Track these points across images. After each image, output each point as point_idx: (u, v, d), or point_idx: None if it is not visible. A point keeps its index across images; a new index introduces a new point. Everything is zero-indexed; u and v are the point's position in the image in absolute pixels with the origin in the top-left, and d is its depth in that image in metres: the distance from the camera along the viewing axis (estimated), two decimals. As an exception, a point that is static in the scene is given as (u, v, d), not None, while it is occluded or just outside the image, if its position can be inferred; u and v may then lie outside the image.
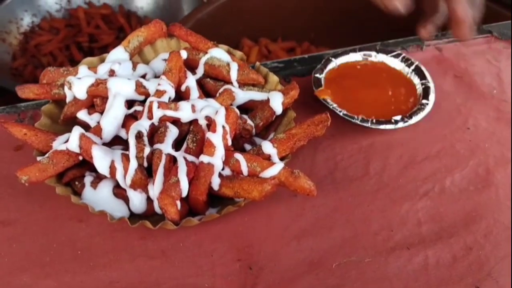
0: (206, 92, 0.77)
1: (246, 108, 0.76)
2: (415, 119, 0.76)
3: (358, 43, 0.98)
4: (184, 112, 0.66)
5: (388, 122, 0.75)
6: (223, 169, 0.65)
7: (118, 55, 0.76)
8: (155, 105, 0.65)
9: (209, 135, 0.63)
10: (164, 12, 1.92)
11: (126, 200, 0.65)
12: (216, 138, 0.63)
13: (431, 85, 0.80)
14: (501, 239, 0.67)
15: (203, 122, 0.67)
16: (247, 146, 0.71)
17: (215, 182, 0.63)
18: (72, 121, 0.71)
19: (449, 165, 0.75)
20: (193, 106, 0.67)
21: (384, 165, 0.75)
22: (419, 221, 0.69)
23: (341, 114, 0.76)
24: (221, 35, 1.61)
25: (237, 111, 0.67)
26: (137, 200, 0.65)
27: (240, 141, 0.71)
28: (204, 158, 0.63)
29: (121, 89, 0.68)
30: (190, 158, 0.64)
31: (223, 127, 0.64)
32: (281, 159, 0.68)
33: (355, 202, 0.71)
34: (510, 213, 0.70)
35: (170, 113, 0.65)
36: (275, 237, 0.67)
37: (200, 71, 0.77)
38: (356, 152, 0.77)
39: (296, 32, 1.70)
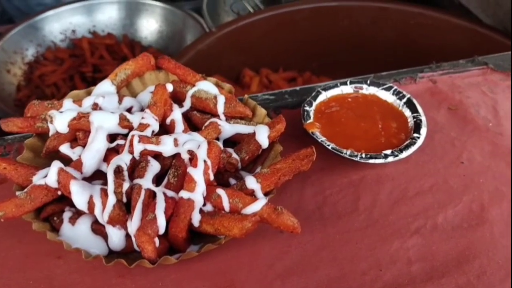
0: (193, 125, 0.76)
1: (234, 141, 0.75)
2: (405, 153, 0.74)
3: (359, 73, 0.98)
4: (166, 146, 0.65)
5: (378, 156, 0.73)
6: (204, 204, 0.63)
7: (105, 88, 0.76)
8: (136, 139, 0.64)
9: (190, 170, 0.62)
10: (168, 42, 1.94)
11: (105, 236, 0.64)
12: (197, 173, 0.62)
13: (423, 118, 0.78)
14: (495, 280, 0.64)
15: (185, 156, 0.66)
16: (232, 181, 0.69)
17: (196, 219, 0.62)
18: (55, 155, 0.70)
19: (441, 200, 0.73)
20: (175, 140, 0.66)
21: (374, 201, 0.73)
22: (410, 260, 0.66)
23: (329, 147, 0.75)
24: (223, 65, 1.63)
25: (220, 145, 0.66)
26: (115, 237, 0.63)
27: (225, 175, 0.70)
28: (184, 194, 0.61)
29: (104, 123, 0.67)
30: (170, 193, 0.62)
31: (205, 161, 0.62)
32: (266, 194, 0.66)
33: (343, 240, 0.68)
34: (506, 252, 0.67)
35: (151, 147, 0.64)
36: (258, 276, 0.65)
37: (187, 104, 0.76)
38: (345, 187, 0.75)
39: (297, 62, 1.71)
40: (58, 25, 1.89)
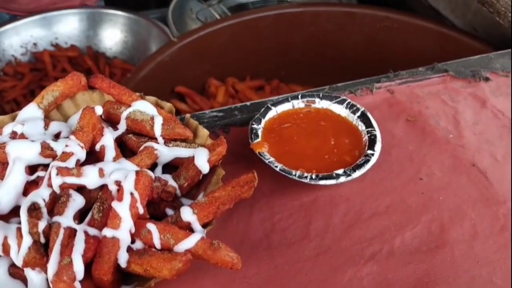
0: (129, 150, 0.70)
1: (175, 165, 0.69)
2: (358, 172, 0.68)
3: (329, 79, 0.93)
4: (89, 178, 0.59)
5: (329, 177, 0.68)
6: (133, 242, 0.57)
7: (30, 112, 0.69)
8: (53, 172, 0.58)
9: (114, 204, 0.56)
10: (133, 52, 1.88)
11: (24, 280, 0.57)
12: (123, 208, 0.55)
13: (378, 133, 0.73)
14: (456, 310, 0.59)
15: (113, 188, 0.59)
16: (169, 211, 0.63)
17: (123, 259, 0.55)
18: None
19: (399, 222, 0.67)
20: (101, 170, 0.60)
21: (327, 225, 0.67)
22: (364, 291, 0.60)
23: (277, 169, 0.69)
24: (186, 76, 1.57)
25: (151, 174, 0.60)
26: (37, 281, 0.56)
27: (161, 206, 0.64)
28: (107, 232, 0.55)
29: (22, 153, 0.61)
30: (93, 231, 0.56)
31: (132, 194, 0.56)
32: (205, 226, 0.60)
33: (292, 271, 0.63)
34: (467, 276, 0.61)
35: (71, 179, 0.58)
36: (197, 317, 0.59)
37: (122, 127, 0.70)
38: (296, 211, 0.69)
39: (265, 70, 1.66)
40: (18, 38, 1.83)
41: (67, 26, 1.88)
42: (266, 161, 0.70)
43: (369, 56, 1.60)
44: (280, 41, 1.62)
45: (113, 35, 1.89)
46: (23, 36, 1.82)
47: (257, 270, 0.63)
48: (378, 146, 0.71)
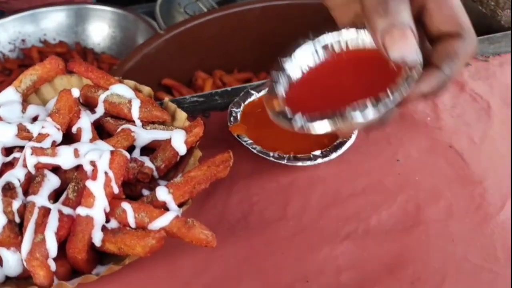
0: (106, 133, 0.70)
1: (153, 148, 0.69)
2: (335, 153, 0.69)
3: None
4: (64, 158, 0.59)
5: (306, 158, 0.68)
6: (108, 221, 0.57)
7: (8, 96, 0.69)
8: (28, 151, 0.58)
9: (88, 183, 0.56)
10: (121, 48, 1.88)
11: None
12: (97, 187, 0.56)
13: (355, 115, 0.73)
14: (430, 285, 0.59)
15: (88, 168, 0.59)
16: (146, 192, 0.63)
17: (97, 237, 0.55)
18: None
19: (375, 202, 0.68)
20: (76, 151, 0.60)
21: (304, 206, 0.68)
22: (339, 268, 0.61)
23: (255, 151, 0.69)
24: (173, 69, 1.57)
25: (127, 154, 0.60)
26: (12, 261, 0.56)
27: (138, 187, 0.64)
28: (81, 211, 0.55)
29: (-2, 135, 0.61)
30: (67, 210, 0.56)
31: (106, 173, 0.56)
32: (181, 205, 0.61)
33: (269, 250, 0.63)
34: (442, 254, 0.62)
35: (45, 159, 0.58)
36: (173, 296, 0.59)
37: (100, 110, 0.70)
38: (274, 192, 0.69)
39: (253, 63, 1.66)
40: (6, 35, 1.82)
41: (55, 22, 1.88)
42: (244, 143, 0.70)
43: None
44: (267, 34, 1.62)
45: (101, 30, 1.89)
46: (11, 33, 1.82)
47: (234, 250, 0.63)
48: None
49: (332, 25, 1.64)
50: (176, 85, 1.54)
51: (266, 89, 0.62)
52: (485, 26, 1.29)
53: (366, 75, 0.60)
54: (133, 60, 1.45)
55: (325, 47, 0.63)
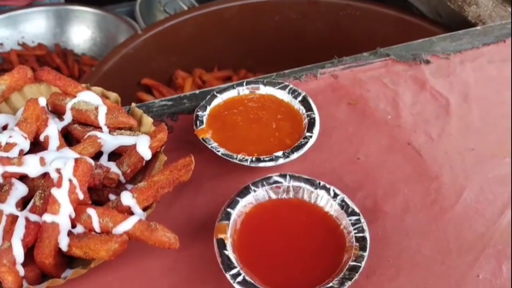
0: (75, 140, 0.72)
1: (120, 153, 0.71)
2: (296, 154, 0.71)
3: (295, 68, 0.94)
4: (30, 167, 0.61)
5: (269, 159, 0.71)
6: (74, 226, 0.59)
7: (-23, 106, 0.71)
8: (-6, 162, 0.60)
9: (53, 191, 0.58)
10: (102, 49, 1.88)
11: (-30, 268, 0.59)
12: (61, 194, 0.58)
13: (316, 116, 0.76)
14: (385, 279, 0.62)
15: (54, 176, 0.61)
16: (112, 197, 0.66)
17: (63, 243, 0.58)
18: None
19: (336, 200, 0.70)
20: (42, 159, 0.62)
21: (268, 205, 0.70)
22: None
23: (219, 154, 0.72)
24: (153, 68, 1.58)
25: (91, 161, 0.62)
26: (-18, 267, 0.58)
27: (104, 192, 0.66)
28: (47, 217, 0.57)
29: (-35, 146, 0.63)
30: (34, 217, 0.58)
31: (70, 180, 0.58)
32: (145, 209, 0.63)
33: (233, 249, 0.65)
34: (397, 248, 0.65)
35: (12, 169, 0.60)
36: (140, 297, 0.61)
37: (67, 117, 0.72)
38: (239, 193, 0.72)
39: (232, 61, 1.68)
40: (-17, 39, 1.81)
41: (33, 25, 1.87)
42: (209, 147, 0.73)
43: (333, 44, 1.63)
44: (245, 31, 1.64)
45: (80, 32, 1.89)
46: (-12, 37, 1.81)
47: (201, 250, 0.65)
48: (316, 129, 0.74)
49: (308, 21, 1.65)
50: (155, 84, 1.55)
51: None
52: (454, 22, 1.33)
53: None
54: (112, 60, 1.46)
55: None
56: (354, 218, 0.63)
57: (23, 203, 0.61)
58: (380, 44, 1.14)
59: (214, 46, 1.64)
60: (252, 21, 1.65)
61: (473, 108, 0.83)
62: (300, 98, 0.79)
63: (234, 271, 0.58)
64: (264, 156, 0.71)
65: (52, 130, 0.68)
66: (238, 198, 0.65)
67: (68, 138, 0.73)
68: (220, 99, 0.80)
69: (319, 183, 0.66)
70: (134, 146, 0.68)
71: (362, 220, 0.62)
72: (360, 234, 0.61)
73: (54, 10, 1.89)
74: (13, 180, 0.61)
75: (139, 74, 1.57)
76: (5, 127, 0.71)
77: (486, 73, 0.89)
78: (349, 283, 0.57)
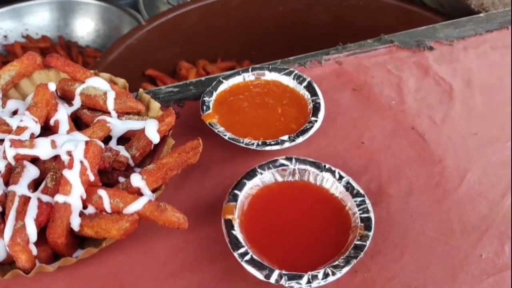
0: (84, 124, 0.73)
1: (128, 138, 0.73)
2: (302, 138, 0.72)
3: None
4: (41, 149, 0.62)
5: (275, 143, 0.72)
6: (86, 207, 0.61)
7: (-13, 92, 0.72)
8: (7, 144, 0.61)
9: (64, 172, 0.59)
10: (105, 41, 1.89)
11: (-16, 248, 0.60)
12: (73, 175, 0.59)
13: (321, 101, 0.77)
14: (389, 259, 0.64)
15: (65, 158, 0.63)
16: (122, 179, 0.67)
17: (75, 223, 0.59)
18: None
19: (340, 183, 0.71)
20: (53, 142, 0.63)
21: (274, 188, 0.71)
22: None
23: (226, 138, 0.73)
24: (157, 59, 1.59)
25: (101, 143, 0.63)
26: (-5, 247, 0.60)
27: (114, 175, 0.67)
28: (59, 198, 0.58)
29: (-22, 129, 0.64)
30: (46, 198, 0.59)
31: (81, 162, 0.60)
32: (154, 191, 0.64)
33: (240, 230, 0.67)
34: (401, 229, 0.66)
35: (24, 151, 0.61)
36: (150, 276, 0.63)
37: (77, 103, 0.73)
38: (246, 176, 0.73)
39: (236, 52, 1.68)
40: (-13, 32, 1.82)
41: (37, 17, 1.88)
42: (216, 131, 0.74)
43: (336, 34, 1.63)
44: (249, 22, 1.65)
45: (84, 24, 1.90)
46: (-8, 29, 1.81)
47: (209, 231, 0.67)
48: (321, 113, 0.75)
49: (311, 12, 1.65)
50: (159, 75, 1.56)
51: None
52: (457, 11, 1.33)
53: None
54: (116, 52, 1.47)
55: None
56: (359, 199, 0.64)
57: (34, 185, 0.63)
58: (382, 32, 1.14)
59: (218, 37, 1.65)
60: (256, 12, 1.65)
61: (476, 93, 0.84)
62: (305, 83, 0.80)
63: (242, 250, 0.59)
64: (270, 140, 0.72)
65: (62, 114, 0.69)
66: (245, 181, 0.66)
67: (77, 123, 0.74)
68: (226, 85, 0.81)
69: (325, 165, 0.67)
70: (142, 130, 0.69)
71: (367, 201, 0.63)
72: (365, 215, 0.62)
73: (57, 2, 1.89)
74: (25, 162, 0.63)
75: (143, 65, 1.58)
76: (15, 112, 0.72)
77: (489, 59, 0.90)
78: (354, 261, 0.58)
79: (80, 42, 1.91)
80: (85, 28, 1.90)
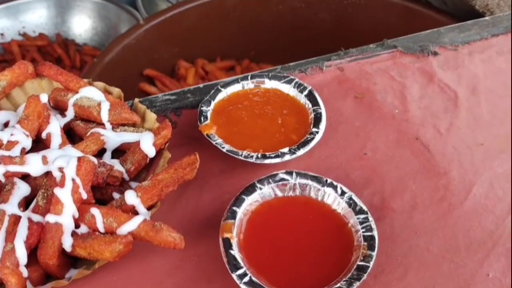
0: (78, 137, 0.71)
1: (124, 150, 0.70)
2: (302, 150, 0.70)
3: (298, 58, 0.93)
4: (32, 166, 0.60)
5: (274, 156, 0.70)
6: (78, 227, 0.59)
7: (-22, 103, 0.70)
8: (-4, 161, 0.59)
9: (56, 190, 0.57)
10: (103, 38, 1.87)
11: (-26, 269, 0.58)
12: (64, 194, 0.57)
13: (323, 111, 0.74)
14: (393, 278, 0.61)
15: (57, 175, 0.60)
16: (117, 195, 0.65)
17: (67, 243, 0.57)
18: None
19: (342, 197, 0.69)
20: (44, 158, 0.61)
21: (274, 202, 0.69)
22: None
23: (224, 150, 0.70)
24: (155, 59, 1.57)
25: (94, 159, 0.61)
26: (-15, 268, 0.58)
27: (108, 190, 0.65)
28: (50, 218, 0.56)
29: (-33, 144, 0.62)
30: (36, 218, 0.57)
31: (73, 180, 0.57)
32: (150, 208, 0.62)
33: (238, 247, 0.65)
34: (405, 247, 0.64)
35: (14, 168, 0.59)
36: (145, 296, 0.61)
37: (70, 114, 0.71)
38: (244, 190, 0.71)
39: (235, 51, 1.66)
40: (-16, 29, 1.79)
41: (34, 15, 1.85)
42: (214, 143, 0.71)
43: (337, 33, 1.61)
44: (248, 21, 1.62)
45: (81, 21, 1.88)
46: (-12, 28, 1.79)
47: (206, 249, 0.65)
48: (322, 124, 0.73)
49: (312, 11, 1.62)
50: (158, 75, 1.54)
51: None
52: (461, 11, 1.30)
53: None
54: (114, 51, 1.45)
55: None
56: (362, 216, 0.62)
57: (25, 203, 0.61)
58: (385, 33, 1.12)
59: (217, 36, 1.62)
60: (255, 10, 1.62)
61: (482, 101, 0.82)
62: (306, 92, 0.77)
63: (240, 272, 0.57)
64: (270, 153, 0.70)
65: (54, 127, 0.67)
66: (243, 196, 0.64)
67: (71, 134, 0.72)
68: (224, 93, 0.79)
69: (326, 180, 0.65)
70: (137, 143, 0.67)
71: (370, 218, 0.61)
72: (368, 233, 0.60)
73: (55, 0, 1.87)
74: (16, 179, 0.60)
75: (141, 64, 1.56)
76: (6, 124, 0.70)
77: (495, 65, 0.87)
78: (357, 283, 0.56)
79: (77, 39, 1.88)
80: (82, 25, 1.88)
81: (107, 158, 0.68)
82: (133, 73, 1.54)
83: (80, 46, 1.87)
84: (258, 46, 1.69)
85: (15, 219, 0.57)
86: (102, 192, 0.65)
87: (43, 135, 0.67)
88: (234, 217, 0.62)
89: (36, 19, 1.86)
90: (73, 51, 1.83)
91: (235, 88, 0.79)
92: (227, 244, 0.60)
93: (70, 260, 0.60)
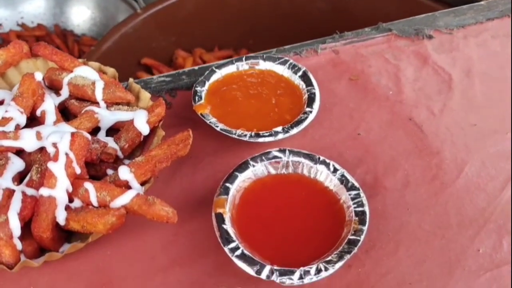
0: (72, 115, 0.71)
1: (118, 129, 0.71)
2: (296, 129, 0.70)
3: None
4: (26, 141, 0.60)
5: (268, 134, 0.70)
6: (72, 201, 0.59)
7: (-27, 81, 0.70)
8: (-10, 136, 0.59)
9: (50, 164, 0.57)
10: (102, 29, 1.86)
11: (-32, 242, 0.59)
12: (58, 168, 0.57)
13: (317, 91, 0.75)
14: (383, 253, 0.62)
15: (51, 150, 0.61)
16: (110, 172, 0.65)
17: (61, 217, 0.57)
18: None
19: (335, 175, 0.70)
20: (38, 133, 0.61)
21: (267, 180, 0.69)
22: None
23: (218, 129, 0.71)
24: (153, 48, 1.57)
25: (87, 135, 0.61)
26: (-20, 242, 0.58)
27: (102, 167, 0.65)
28: (44, 191, 0.57)
29: (-39, 120, 0.62)
30: (30, 191, 0.58)
31: (67, 154, 0.58)
32: (143, 183, 0.62)
33: (232, 224, 0.65)
34: (396, 223, 0.65)
35: (8, 143, 0.59)
36: (138, 271, 0.61)
37: (64, 93, 0.72)
38: (238, 168, 0.71)
39: (233, 40, 1.66)
40: (-19, 20, 1.79)
41: (32, 5, 1.85)
42: (208, 122, 0.72)
43: (334, 21, 1.60)
44: (246, 10, 1.62)
45: (80, 12, 1.87)
46: (-13, 18, 1.79)
47: (200, 225, 0.65)
48: (316, 104, 0.73)
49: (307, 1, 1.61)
50: (156, 64, 1.54)
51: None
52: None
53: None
54: (111, 40, 1.45)
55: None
56: (353, 192, 0.62)
57: (19, 178, 0.61)
58: (381, 21, 1.12)
59: (215, 25, 1.62)
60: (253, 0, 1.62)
61: (476, 83, 0.82)
62: (300, 73, 0.78)
63: (232, 245, 0.58)
64: (264, 131, 0.70)
65: (49, 105, 0.67)
66: (237, 173, 0.64)
67: (65, 113, 0.72)
68: (219, 74, 0.79)
69: (319, 158, 0.66)
70: (131, 121, 0.67)
71: (362, 194, 0.62)
72: (360, 209, 0.61)
73: (53, -10, 1.87)
74: (10, 154, 0.61)
75: (138, 53, 1.56)
76: (1, 102, 0.70)
77: (490, 49, 0.88)
78: (348, 256, 0.56)
79: (76, 30, 1.88)
80: (81, 16, 1.88)
81: (101, 136, 0.69)
82: (131, 62, 1.55)
83: (79, 36, 1.87)
84: (255, 35, 1.69)
85: (9, 193, 0.58)
86: (96, 168, 0.65)
87: (38, 112, 0.67)
88: (227, 193, 0.62)
89: (35, 10, 1.86)
90: (71, 41, 1.83)
91: (230, 69, 0.80)
92: (220, 219, 0.60)
93: (65, 235, 0.61)
